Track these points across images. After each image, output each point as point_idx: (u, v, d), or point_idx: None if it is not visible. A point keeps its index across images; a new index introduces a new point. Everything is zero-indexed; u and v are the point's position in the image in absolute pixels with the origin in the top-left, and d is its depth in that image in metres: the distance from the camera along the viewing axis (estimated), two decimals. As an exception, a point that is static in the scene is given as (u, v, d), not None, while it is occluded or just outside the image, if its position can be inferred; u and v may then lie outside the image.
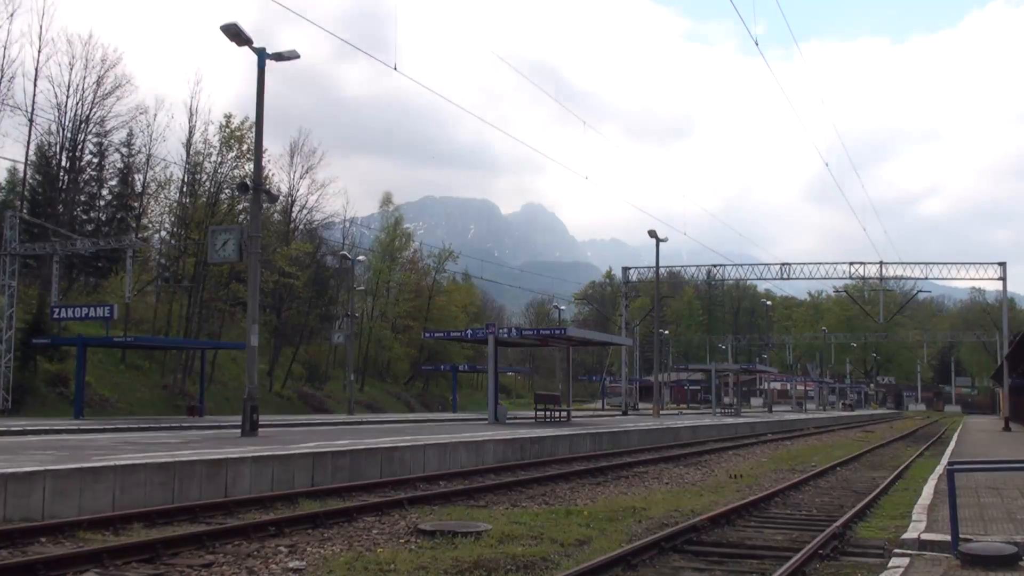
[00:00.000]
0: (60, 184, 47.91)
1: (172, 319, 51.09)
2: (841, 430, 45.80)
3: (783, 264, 55.86)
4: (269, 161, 56.61)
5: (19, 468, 10.73)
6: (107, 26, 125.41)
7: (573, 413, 38.55)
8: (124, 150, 51.94)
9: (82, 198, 51.34)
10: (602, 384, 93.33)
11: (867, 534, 10.88)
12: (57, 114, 45.74)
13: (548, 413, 33.59)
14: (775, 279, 59.83)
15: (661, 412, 49.10)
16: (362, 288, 68.81)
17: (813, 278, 56.13)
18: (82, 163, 49.59)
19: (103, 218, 52.57)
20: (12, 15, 42.91)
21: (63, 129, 46.46)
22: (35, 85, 43.85)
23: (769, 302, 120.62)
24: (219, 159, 51.51)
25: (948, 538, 8.60)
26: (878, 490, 15.29)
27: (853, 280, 65.71)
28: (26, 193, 48.26)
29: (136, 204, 52.88)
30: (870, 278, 56.48)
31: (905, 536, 9.37)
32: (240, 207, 50.39)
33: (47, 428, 24.60)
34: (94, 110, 46.97)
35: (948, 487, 8.89)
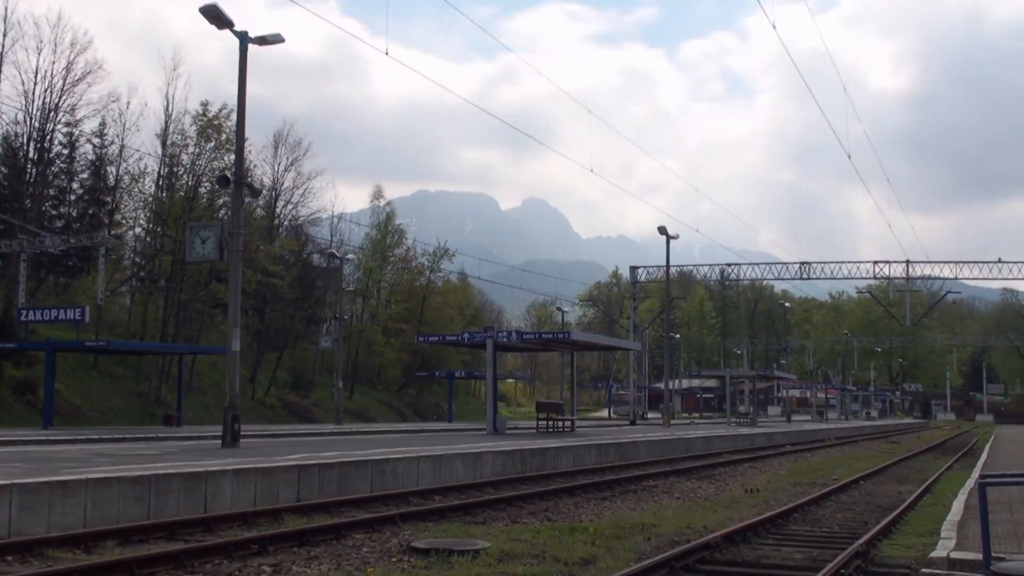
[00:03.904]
0: (27, 177, 47.90)
1: (148, 322, 51.08)
2: (865, 441, 45.82)
3: (802, 263, 54.72)
4: (251, 152, 56.69)
5: (-16, 482, 10.73)
6: (77, 7, 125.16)
7: (577, 423, 38.59)
8: (96, 140, 51.74)
9: (51, 192, 51.27)
10: (608, 392, 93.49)
11: (893, 552, 10.90)
12: (24, 102, 45.86)
13: (551, 423, 33.61)
14: (794, 279, 59.46)
15: (672, 422, 49.16)
16: (351, 289, 68.88)
17: (834, 278, 55.59)
18: (51, 155, 49.57)
19: (74, 214, 52.48)
20: (-26, -3, 43.06)
21: (30, 118, 46.59)
22: (0, 71, 43.97)
23: (787, 304, 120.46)
24: (197, 150, 51.54)
25: (979, 557, 8.59)
26: (904, 505, 15.31)
27: (877, 280, 65.72)
28: (-9, 187, 48.31)
29: (109, 199, 52.80)
30: (896, 278, 56.37)
31: (933, 555, 9.38)
32: (220, 202, 50.41)
33: (13, 439, 24.58)
34: (63, 98, 47.06)
35: (979, 502, 8.87)
